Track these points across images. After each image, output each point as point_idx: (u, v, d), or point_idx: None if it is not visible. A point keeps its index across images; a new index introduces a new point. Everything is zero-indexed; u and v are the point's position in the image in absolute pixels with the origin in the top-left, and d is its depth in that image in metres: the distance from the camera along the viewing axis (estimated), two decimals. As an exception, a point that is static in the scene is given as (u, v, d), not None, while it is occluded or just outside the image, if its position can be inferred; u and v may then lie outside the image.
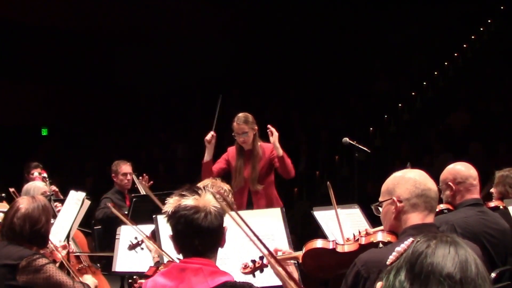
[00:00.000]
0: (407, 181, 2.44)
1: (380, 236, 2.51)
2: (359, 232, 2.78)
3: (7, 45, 14.38)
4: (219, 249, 2.31)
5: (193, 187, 2.28)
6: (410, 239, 1.52)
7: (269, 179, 5.37)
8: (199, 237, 2.19)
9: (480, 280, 1.41)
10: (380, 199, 2.51)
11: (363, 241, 2.60)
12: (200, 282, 2.13)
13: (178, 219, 2.20)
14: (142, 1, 15.64)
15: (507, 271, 3.46)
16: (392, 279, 1.45)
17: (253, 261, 2.71)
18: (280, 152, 5.22)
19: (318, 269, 2.72)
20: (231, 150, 5.50)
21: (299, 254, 2.70)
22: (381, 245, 2.46)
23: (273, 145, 5.30)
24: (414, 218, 2.39)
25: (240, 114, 5.41)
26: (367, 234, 3.02)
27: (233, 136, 5.40)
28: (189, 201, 2.21)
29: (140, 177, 6.35)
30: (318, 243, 2.72)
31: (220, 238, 2.26)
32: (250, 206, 5.24)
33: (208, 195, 2.25)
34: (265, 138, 5.48)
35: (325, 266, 2.71)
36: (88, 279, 3.50)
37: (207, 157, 5.47)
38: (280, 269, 2.30)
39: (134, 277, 3.19)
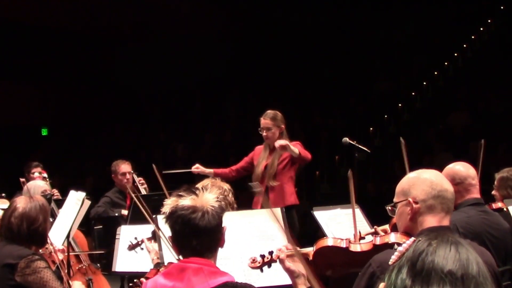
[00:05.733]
0: (423, 182, 2.39)
1: (395, 237, 2.49)
2: (360, 233, 2.77)
3: (7, 45, 14.37)
4: (220, 249, 2.30)
5: (190, 188, 2.28)
6: (412, 239, 1.53)
7: (287, 174, 5.36)
8: (197, 237, 2.19)
9: (482, 278, 1.42)
10: (395, 200, 2.46)
11: (377, 241, 2.57)
12: (201, 282, 2.12)
13: (175, 220, 2.21)
14: (142, 1, 15.64)
15: (507, 271, 3.46)
16: (393, 277, 1.46)
17: (262, 256, 2.70)
18: (296, 152, 5.14)
19: (329, 267, 2.70)
20: (258, 148, 5.53)
21: (309, 251, 2.68)
22: (396, 246, 2.43)
23: (296, 143, 5.34)
24: (431, 220, 2.35)
25: (269, 111, 5.45)
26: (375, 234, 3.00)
27: (259, 131, 5.40)
28: (187, 201, 2.21)
29: (140, 178, 6.37)
30: (329, 241, 2.70)
31: (218, 238, 2.26)
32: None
33: (205, 195, 2.24)
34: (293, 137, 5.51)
35: (336, 264, 2.69)
36: (77, 287, 3.48)
37: (208, 173, 5.47)
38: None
39: (135, 280, 3.19)
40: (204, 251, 2.21)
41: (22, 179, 6.43)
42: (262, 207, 5.04)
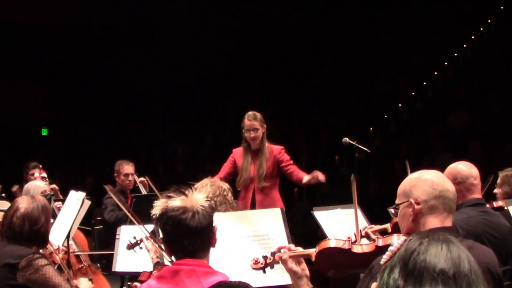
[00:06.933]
0: (424, 182, 2.38)
1: (398, 238, 2.48)
2: (360, 231, 2.76)
3: (7, 45, 14.38)
4: (219, 250, 2.29)
5: (180, 188, 2.27)
6: (403, 238, 1.54)
7: (274, 180, 5.37)
8: (188, 238, 2.18)
9: (474, 276, 1.43)
10: (397, 201, 2.45)
11: (380, 242, 2.57)
12: (195, 284, 2.12)
13: (166, 221, 2.20)
14: (142, 1, 15.64)
15: (508, 271, 3.45)
16: (386, 277, 1.47)
17: (265, 257, 2.70)
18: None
19: (331, 268, 2.70)
20: (237, 151, 5.49)
21: (312, 251, 2.68)
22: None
23: (281, 148, 5.37)
24: (433, 221, 2.33)
25: (250, 112, 5.44)
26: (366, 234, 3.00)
27: (243, 133, 5.38)
28: (176, 202, 2.21)
29: (141, 178, 6.35)
30: (332, 243, 2.70)
31: (210, 238, 2.25)
32: (254, 204, 5.25)
33: (195, 195, 2.24)
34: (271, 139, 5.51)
35: (338, 265, 2.68)
36: (84, 283, 3.49)
37: None
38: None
39: (128, 283, 3.19)
40: (196, 251, 2.20)
41: (15, 188, 6.42)
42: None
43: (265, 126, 5.40)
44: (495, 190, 4.55)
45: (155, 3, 15.66)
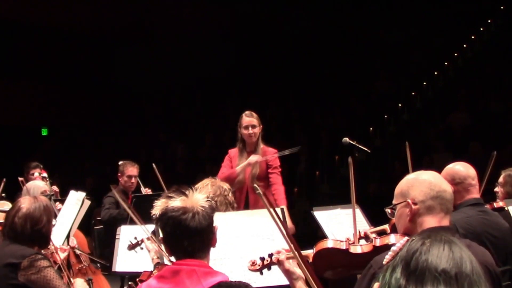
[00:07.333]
0: (422, 183, 2.40)
1: (395, 238, 2.48)
2: (359, 232, 2.77)
3: (7, 45, 14.38)
4: (219, 250, 2.29)
5: (180, 188, 2.27)
6: (405, 238, 1.54)
7: (267, 181, 5.37)
8: (188, 238, 2.19)
9: (475, 276, 1.44)
10: (394, 201, 2.46)
11: (377, 242, 2.57)
12: (195, 284, 2.12)
13: (166, 221, 2.21)
14: (142, 1, 15.65)
15: (508, 271, 3.46)
16: (388, 277, 1.48)
17: (262, 259, 2.69)
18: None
19: (329, 269, 2.70)
20: (232, 152, 5.50)
21: (309, 253, 2.68)
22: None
23: (274, 152, 5.38)
24: (430, 221, 2.34)
25: (247, 111, 5.45)
26: (366, 236, 3.00)
27: (239, 132, 5.38)
28: (177, 202, 2.21)
29: (146, 189, 6.37)
30: (329, 243, 2.69)
31: (210, 238, 2.26)
32: (247, 205, 5.25)
33: (195, 195, 2.24)
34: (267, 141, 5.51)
35: (336, 266, 2.68)
36: (80, 285, 3.48)
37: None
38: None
39: (129, 283, 3.19)
40: (196, 252, 2.21)
41: (20, 179, 6.45)
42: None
43: (261, 126, 5.42)
44: (496, 189, 4.54)
45: (155, 3, 15.65)
